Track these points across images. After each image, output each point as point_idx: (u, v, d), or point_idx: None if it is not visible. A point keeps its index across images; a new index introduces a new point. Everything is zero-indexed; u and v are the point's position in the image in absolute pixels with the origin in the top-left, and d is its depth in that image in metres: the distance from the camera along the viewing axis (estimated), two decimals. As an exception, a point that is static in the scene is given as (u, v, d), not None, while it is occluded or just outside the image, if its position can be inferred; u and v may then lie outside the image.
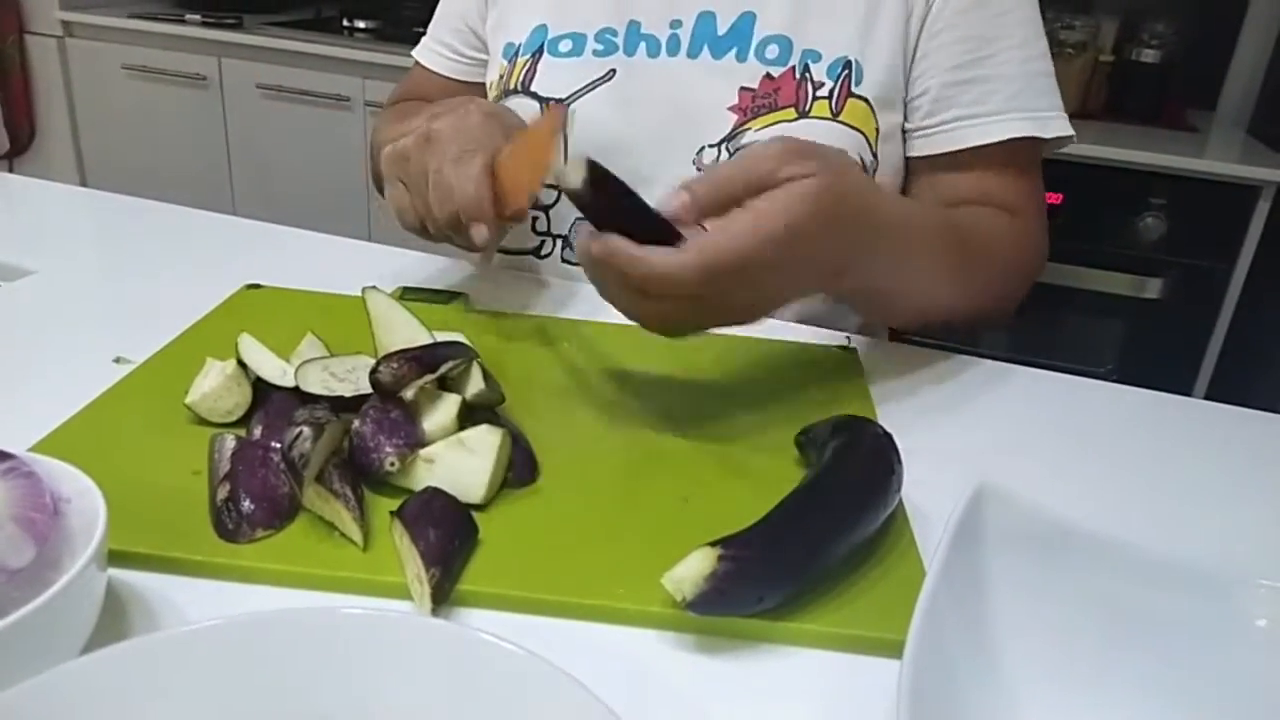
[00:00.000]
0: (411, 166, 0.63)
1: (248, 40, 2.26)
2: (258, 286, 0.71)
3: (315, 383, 0.51)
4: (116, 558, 0.42)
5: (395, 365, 0.50)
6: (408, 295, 0.71)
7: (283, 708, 0.33)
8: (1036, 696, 0.39)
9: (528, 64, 0.81)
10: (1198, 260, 1.80)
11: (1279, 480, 0.59)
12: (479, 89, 0.88)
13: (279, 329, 0.60)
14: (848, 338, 0.71)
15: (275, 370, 0.54)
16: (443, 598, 0.41)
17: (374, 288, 0.62)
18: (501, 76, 0.83)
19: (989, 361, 0.71)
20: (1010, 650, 0.39)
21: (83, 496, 0.39)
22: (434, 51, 0.91)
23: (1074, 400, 0.67)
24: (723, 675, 0.40)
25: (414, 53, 0.93)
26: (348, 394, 0.51)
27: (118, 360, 0.60)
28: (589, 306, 0.74)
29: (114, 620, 0.40)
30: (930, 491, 0.51)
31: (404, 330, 0.58)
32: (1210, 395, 0.67)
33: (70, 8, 2.38)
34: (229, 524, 0.44)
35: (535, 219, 0.82)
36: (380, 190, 0.89)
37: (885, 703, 0.39)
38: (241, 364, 0.54)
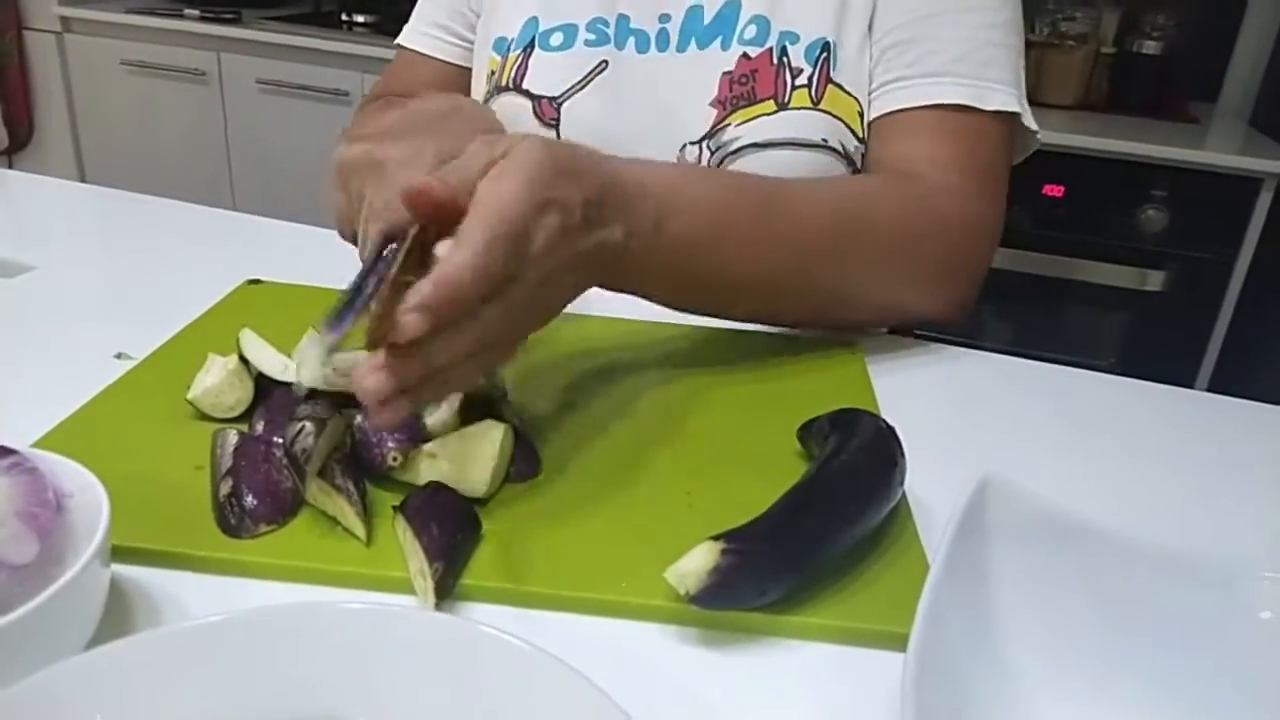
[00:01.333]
0: (352, 186, 0.55)
1: (247, 35, 2.25)
2: (259, 282, 0.71)
3: (317, 379, 0.51)
4: (120, 553, 0.42)
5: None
6: (409, 290, 0.71)
7: (286, 703, 0.33)
8: (1040, 688, 0.38)
9: (519, 59, 0.80)
10: (1199, 252, 1.80)
11: (1282, 472, 0.59)
12: (470, 75, 0.86)
13: (280, 324, 0.59)
14: (850, 331, 0.71)
15: (277, 366, 0.54)
16: (446, 592, 0.41)
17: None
18: (493, 73, 0.82)
19: (991, 354, 0.70)
20: (1014, 642, 0.39)
21: (85, 492, 0.39)
22: (426, 35, 0.87)
23: (1077, 393, 0.67)
24: (727, 669, 0.40)
25: (401, 40, 0.89)
26: (349, 389, 0.50)
27: (119, 356, 0.60)
28: (590, 300, 0.74)
29: (118, 616, 0.40)
30: (933, 484, 0.51)
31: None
32: (1212, 387, 0.66)
33: (69, 3, 2.38)
34: (232, 519, 0.44)
35: None
36: None
37: (889, 695, 0.39)
38: (243, 359, 0.54)
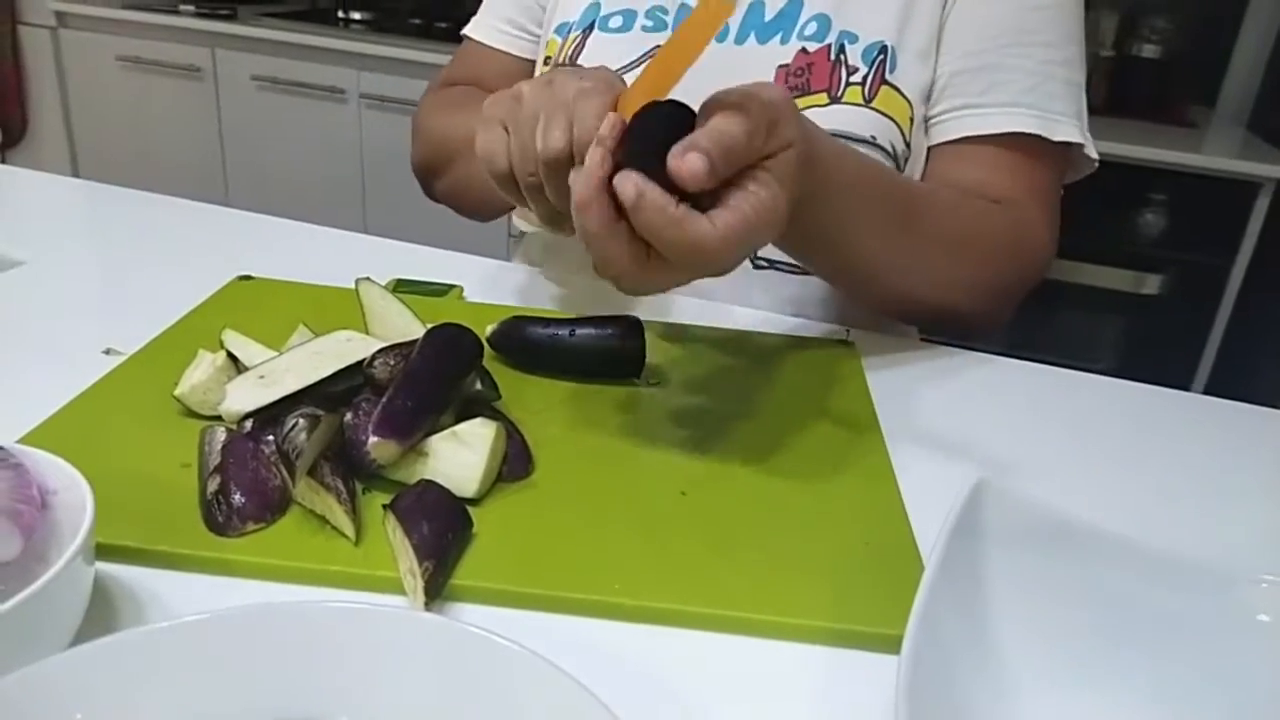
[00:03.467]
0: (524, 106, 0.54)
1: (242, 31, 2.25)
2: (249, 278, 0.70)
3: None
4: (105, 551, 0.41)
5: (390, 360, 0.50)
6: (401, 287, 0.70)
7: (270, 703, 0.32)
8: (1035, 691, 0.38)
9: (577, 39, 0.80)
10: (1197, 256, 1.80)
11: None
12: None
13: (271, 321, 0.59)
14: (847, 331, 0.71)
15: (267, 362, 0.53)
16: (436, 592, 0.41)
17: (368, 279, 0.61)
18: (552, 55, 0.82)
19: (987, 356, 0.70)
20: (1009, 645, 0.39)
21: (70, 489, 0.39)
22: (495, 29, 0.88)
23: (1074, 395, 0.67)
24: (719, 671, 0.40)
25: (468, 31, 0.90)
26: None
27: (108, 352, 0.59)
28: (583, 299, 0.74)
29: (102, 615, 0.39)
30: (928, 486, 0.51)
31: (398, 322, 0.58)
32: (1209, 391, 0.67)
33: (64, -2, 2.37)
34: (219, 517, 0.44)
35: None
36: (424, 181, 0.88)
37: (884, 698, 0.39)
38: (232, 356, 0.54)
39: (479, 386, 0.52)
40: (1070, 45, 0.74)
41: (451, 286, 0.72)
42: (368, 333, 0.58)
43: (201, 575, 0.42)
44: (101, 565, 0.41)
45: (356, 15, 2.39)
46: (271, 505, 0.45)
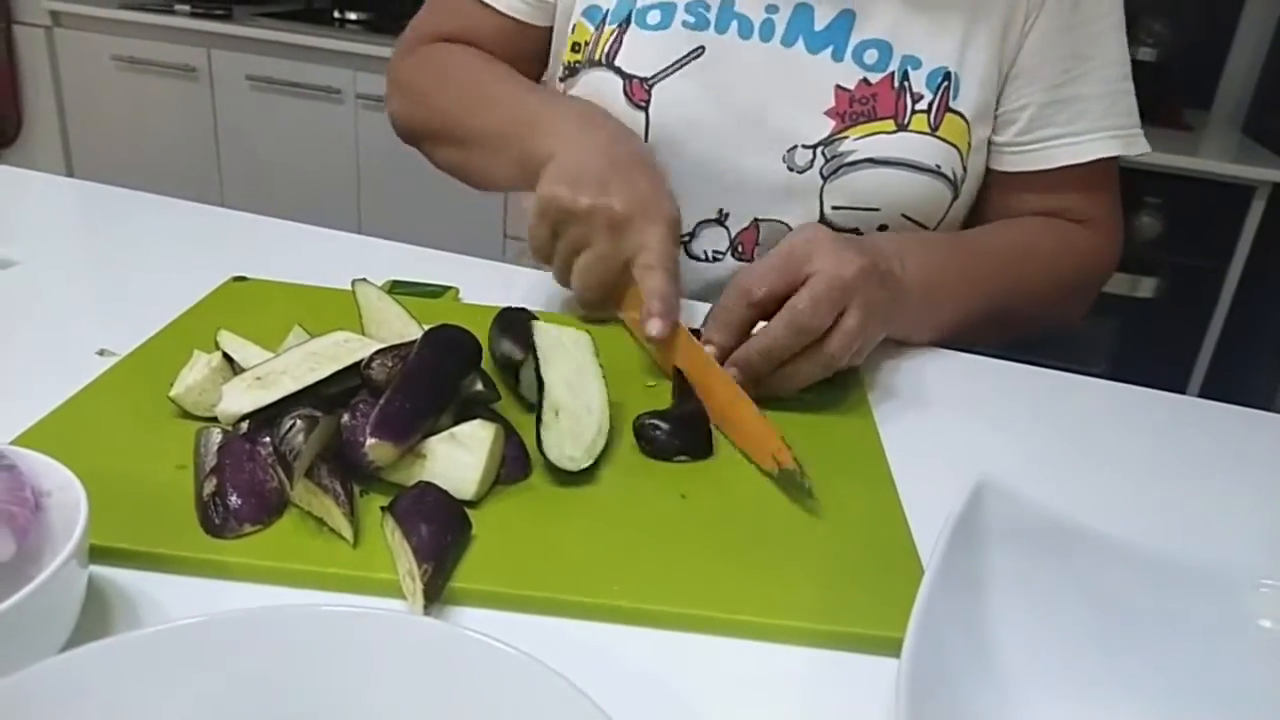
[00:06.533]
0: (573, 231, 0.65)
1: (237, 31, 2.24)
2: (244, 279, 0.70)
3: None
4: (99, 553, 0.41)
5: (388, 361, 0.50)
6: (397, 288, 0.70)
7: (267, 707, 0.32)
8: (1035, 695, 0.38)
9: (614, 34, 0.78)
10: (1192, 259, 1.80)
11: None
12: (538, 32, 0.85)
13: (266, 322, 0.59)
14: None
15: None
16: (435, 595, 0.41)
17: (364, 280, 0.61)
18: (587, 43, 0.80)
19: (985, 359, 0.70)
20: (1009, 648, 0.39)
21: (64, 490, 0.38)
22: None
23: (1072, 398, 0.67)
24: (719, 674, 0.40)
25: None
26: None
27: (101, 353, 0.59)
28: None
29: (96, 619, 0.39)
30: (928, 488, 0.51)
31: (395, 323, 0.58)
32: (1204, 394, 0.68)
33: (59, -2, 2.37)
34: (215, 519, 0.44)
35: None
36: (414, 140, 0.86)
37: (883, 700, 0.38)
38: (227, 357, 0.53)
39: (478, 387, 0.52)
40: (1124, 52, 0.77)
41: (447, 288, 0.72)
42: (364, 334, 0.57)
43: (197, 578, 0.42)
44: (96, 568, 0.41)
45: (352, 15, 2.39)
46: (268, 507, 0.45)
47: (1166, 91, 2.03)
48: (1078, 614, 0.40)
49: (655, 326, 0.60)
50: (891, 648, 0.38)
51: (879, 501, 0.51)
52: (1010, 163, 0.78)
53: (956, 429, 0.60)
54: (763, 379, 0.58)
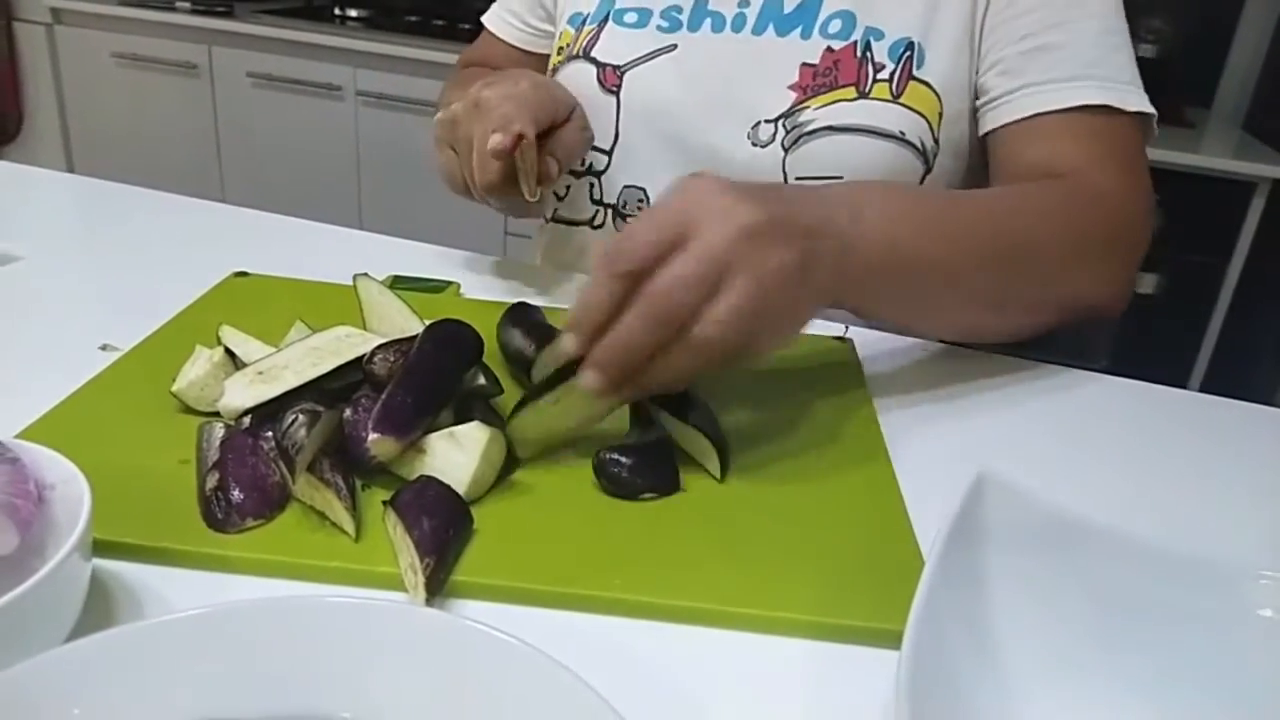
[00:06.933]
0: (459, 131, 0.68)
1: (238, 28, 2.24)
2: (245, 274, 0.70)
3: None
4: (103, 548, 0.41)
5: (390, 356, 0.50)
6: (398, 284, 0.70)
7: (270, 699, 0.32)
8: (1036, 687, 0.38)
9: (592, 31, 0.82)
10: (1193, 256, 1.80)
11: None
12: (542, 60, 0.90)
13: (267, 317, 0.59)
14: (845, 328, 0.70)
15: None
16: (437, 588, 0.41)
17: (365, 275, 0.61)
18: (566, 45, 0.84)
19: (984, 353, 0.70)
20: (1009, 641, 0.39)
21: (68, 484, 0.38)
22: (502, 20, 0.94)
23: (1072, 392, 0.67)
24: (718, 666, 0.40)
25: (484, 19, 0.97)
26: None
27: (104, 347, 0.59)
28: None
29: (99, 612, 0.39)
30: (927, 482, 0.51)
31: (396, 318, 0.58)
32: (1205, 389, 0.66)
33: (59, -5, 2.36)
34: (218, 513, 0.44)
35: (591, 186, 0.83)
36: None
37: (883, 693, 0.39)
38: (229, 352, 0.53)
39: (480, 381, 0.52)
40: (1118, 19, 0.72)
41: (448, 283, 0.72)
42: (365, 329, 0.57)
43: (200, 572, 0.42)
44: (99, 562, 0.41)
45: (353, 12, 2.39)
46: (271, 501, 0.45)
47: (1167, 88, 2.02)
48: (1078, 606, 0.40)
49: (494, 139, 0.63)
50: (892, 640, 0.39)
51: (879, 495, 0.51)
52: (990, 119, 0.73)
53: (956, 423, 0.60)
54: (636, 376, 0.48)
